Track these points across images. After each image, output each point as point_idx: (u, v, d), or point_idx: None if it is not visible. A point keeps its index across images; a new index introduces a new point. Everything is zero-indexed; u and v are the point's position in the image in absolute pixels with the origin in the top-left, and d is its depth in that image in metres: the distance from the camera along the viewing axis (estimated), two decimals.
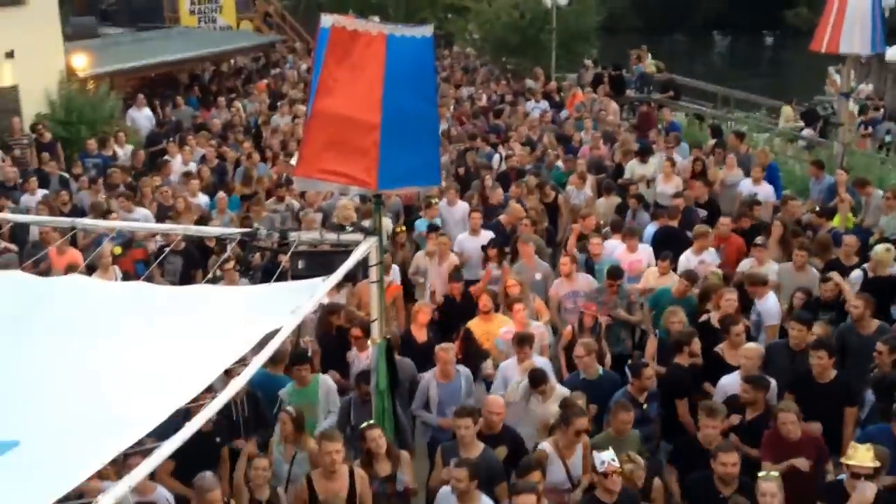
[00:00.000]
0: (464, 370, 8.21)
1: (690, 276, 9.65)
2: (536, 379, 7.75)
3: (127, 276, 10.35)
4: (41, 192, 13.39)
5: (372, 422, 6.80)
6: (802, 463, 6.74)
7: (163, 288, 6.66)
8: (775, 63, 44.49)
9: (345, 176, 6.23)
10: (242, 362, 4.36)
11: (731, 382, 7.80)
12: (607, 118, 19.23)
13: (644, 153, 14.53)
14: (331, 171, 6.29)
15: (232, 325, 4.81)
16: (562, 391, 7.93)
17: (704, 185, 13.23)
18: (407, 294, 10.64)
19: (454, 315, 9.78)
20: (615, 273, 9.76)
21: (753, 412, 7.43)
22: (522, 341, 8.19)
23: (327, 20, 6.14)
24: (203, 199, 13.49)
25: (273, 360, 7.56)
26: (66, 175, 14.84)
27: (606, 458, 6.25)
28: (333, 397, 8.03)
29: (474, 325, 9.14)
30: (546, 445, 7.04)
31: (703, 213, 12.41)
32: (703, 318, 9.08)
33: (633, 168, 14.31)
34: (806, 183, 14.48)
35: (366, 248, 6.07)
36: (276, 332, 4.64)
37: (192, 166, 15.17)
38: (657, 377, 8.03)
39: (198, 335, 4.70)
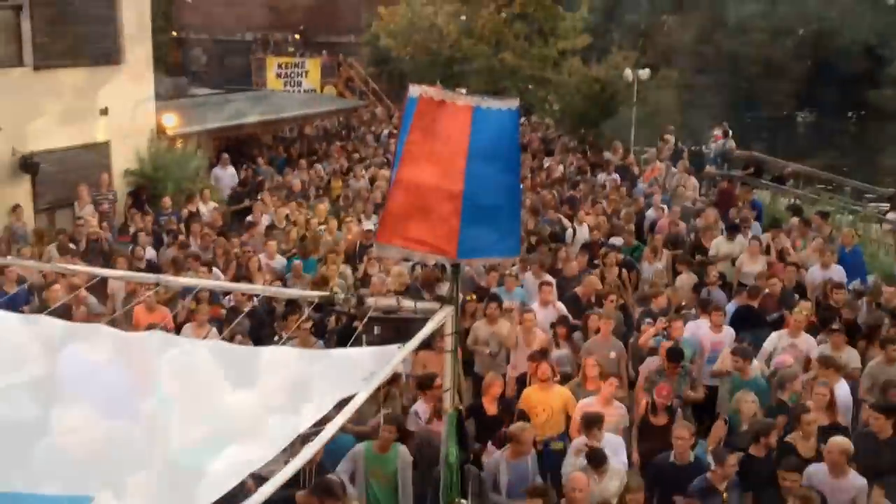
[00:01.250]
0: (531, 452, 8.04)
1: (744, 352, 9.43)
2: (597, 458, 7.60)
3: None
4: (150, 252, 13.67)
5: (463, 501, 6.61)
6: None
7: (239, 347, 6.69)
8: (858, 143, 43.67)
9: (425, 244, 6.21)
10: (316, 427, 4.33)
11: (815, 472, 7.45)
12: (685, 193, 19.00)
13: (732, 231, 14.29)
14: (411, 239, 6.29)
15: (306, 390, 4.79)
16: (617, 467, 7.76)
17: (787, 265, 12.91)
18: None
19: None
20: (675, 355, 9.55)
21: None
22: (590, 423, 8.04)
23: (415, 90, 6.19)
24: (280, 261, 13.58)
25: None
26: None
27: None
28: (408, 473, 7.75)
29: (532, 392, 9.03)
30: None
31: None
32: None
33: (718, 246, 14.04)
34: (891, 268, 14.06)
35: (442, 316, 6.02)
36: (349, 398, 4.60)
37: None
38: None
39: (273, 398, 4.69)
